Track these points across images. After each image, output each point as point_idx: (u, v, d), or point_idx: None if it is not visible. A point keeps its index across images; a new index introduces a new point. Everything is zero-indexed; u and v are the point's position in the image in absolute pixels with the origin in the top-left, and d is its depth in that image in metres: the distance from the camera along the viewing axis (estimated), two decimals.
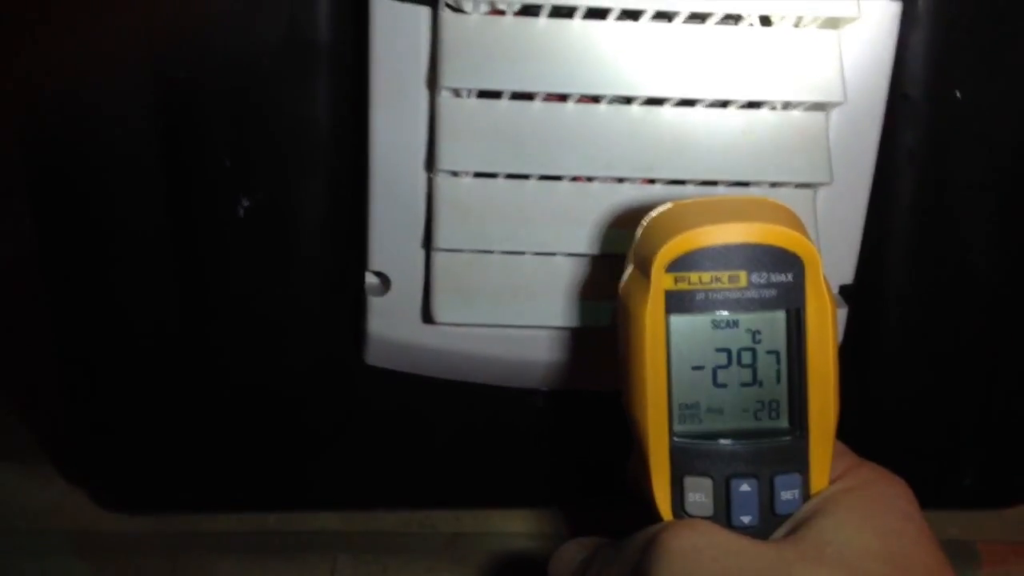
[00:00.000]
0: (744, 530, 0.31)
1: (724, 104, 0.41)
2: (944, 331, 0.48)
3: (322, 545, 0.54)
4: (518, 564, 0.55)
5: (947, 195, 0.45)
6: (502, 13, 0.39)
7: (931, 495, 0.33)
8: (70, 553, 0.53)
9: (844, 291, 0.45)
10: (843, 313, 0.45)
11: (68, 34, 0.41)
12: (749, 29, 0.40)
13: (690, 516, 0.32)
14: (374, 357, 0.45)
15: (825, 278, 0.31)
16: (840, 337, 0.45)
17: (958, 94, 0.44)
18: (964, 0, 0.43)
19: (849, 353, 0.42)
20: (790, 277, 0.31)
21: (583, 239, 0.41)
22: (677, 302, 0.31)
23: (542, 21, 0.39)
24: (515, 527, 0.56)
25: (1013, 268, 0.47)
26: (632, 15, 0.39)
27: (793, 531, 0.30)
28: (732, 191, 0.41)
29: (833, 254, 0.44)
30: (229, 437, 0.48)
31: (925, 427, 0.50)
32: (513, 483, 0.51)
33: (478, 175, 0.40)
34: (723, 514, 0.32)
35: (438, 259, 0.41)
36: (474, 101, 0.40)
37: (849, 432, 0.33)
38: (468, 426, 0.49)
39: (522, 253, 0.41)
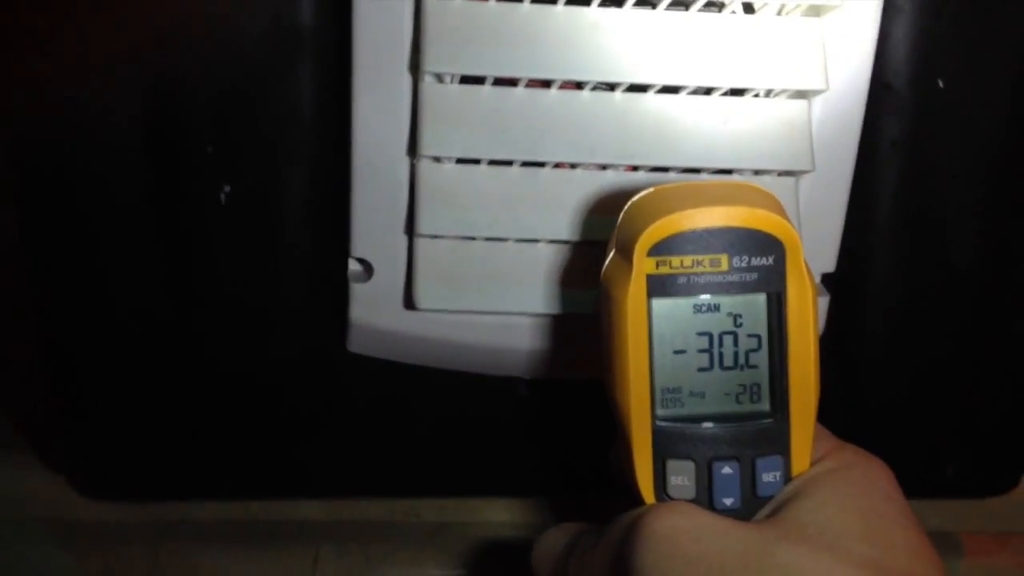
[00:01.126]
0: (726, 512, 0.31)
1: (707, 91, 0.41)
2: (926, 321, 0.48)
3: (305, 535, 0.54)
4: (502, 553, 0.55)
5: (929, 184, 0.46)
6: None
7: (914, 485, 0.33)
8: (51, 542, 0.53)
9: (826, 279, 0.45)
10: (824, 301, 0.45)
11: (52, 23, 0.40)
12: (732, 16, 0.41)
13: (672, 499, 0.32)
14: (357, 344, 0.45)
15: (806, 263, 0.31)
16: (822, 326, 0.45)
17: (940, 83, 0.44)
18: None
19: (832, 343, 0.43)
20: (771, 261, 0.31)
21: (566, 226, 0.41)
22: (659, 286, 0.31)
23: (525, 6, 0.39)
24: (499, 516, 0.56)
25: (995, 258, 0.47)
26: (616, 1, 0.39)
27: (775, 512, 0.30)
28: (715, 178, 0.41)
29: (815, 242, 0.44)
30: (212, 425, 0.48)
31: (908, 417, 0.51)
32: (497, 472, 0.51)
33: (461, 161, 0.40)
34: (705, 497, 0.32)
35: (420, 245, 0.41)
36: (457, 87, 0.40)
37: (833, 422, 0.34)
38: (451, 414, 0.49)
39: (505, 240, 0.41)
